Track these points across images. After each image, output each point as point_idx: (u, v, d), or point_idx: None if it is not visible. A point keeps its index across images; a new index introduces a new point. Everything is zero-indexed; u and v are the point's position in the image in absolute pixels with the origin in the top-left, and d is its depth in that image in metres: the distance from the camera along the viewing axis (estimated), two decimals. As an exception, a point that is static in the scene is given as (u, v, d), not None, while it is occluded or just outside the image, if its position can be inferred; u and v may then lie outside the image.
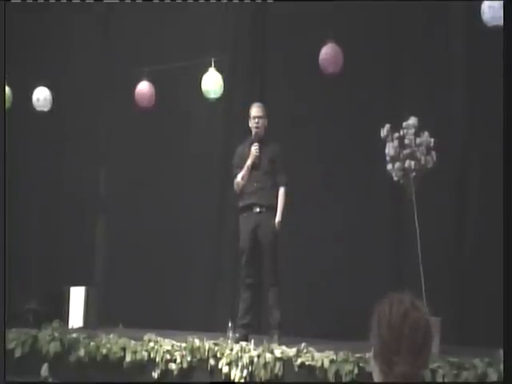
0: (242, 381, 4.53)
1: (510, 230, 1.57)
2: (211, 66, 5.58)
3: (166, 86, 5.97)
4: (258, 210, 5.00)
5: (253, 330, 5.09)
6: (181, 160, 6.30)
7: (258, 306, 5.43)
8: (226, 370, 4.58)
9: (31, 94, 6.11)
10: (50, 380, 5.17)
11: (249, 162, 4.99)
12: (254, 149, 4.99)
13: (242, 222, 5.08)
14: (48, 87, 6.12)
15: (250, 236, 4.99)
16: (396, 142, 4.58)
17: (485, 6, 4.48)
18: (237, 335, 4.92)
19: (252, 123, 5.07)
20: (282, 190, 5.02)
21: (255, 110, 5.07)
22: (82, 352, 5.13)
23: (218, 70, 5.61)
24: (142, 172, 6.41)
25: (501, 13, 4.49)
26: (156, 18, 6.36)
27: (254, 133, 5.08)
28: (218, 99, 5.67)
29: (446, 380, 3.88)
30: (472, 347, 4.39)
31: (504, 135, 1.81)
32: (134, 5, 6.48)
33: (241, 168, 5.04)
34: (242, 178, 5.01)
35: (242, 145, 5.19)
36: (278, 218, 4.97)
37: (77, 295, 5.96)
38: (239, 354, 4.57)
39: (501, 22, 4.50)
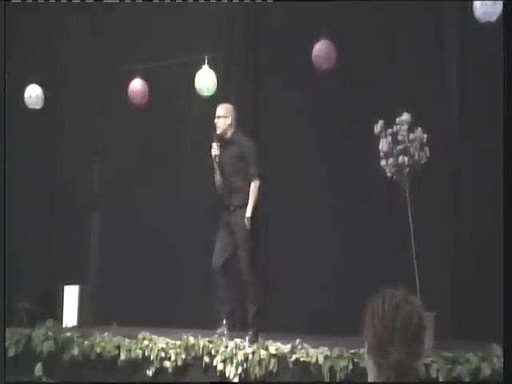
0: (237, 378, 4.53)
1: (510, 226, 1.57)
2: (205, 63, 5.58)
3: (159, 84, 5.96)
4: (231, 208, 5.05)
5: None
6: (175, 157, 6.28)
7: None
8: (220, 367, 4.58)
9: (23, 91, 6.08)
10: (44, 379, 5.16)
11: (214, 164, 5.08)
12: (213, 149, 5.03)
13: (220, 221, 5.17)
14: (40, 85, 6.10)
15: (224, 234, 5.06)
16: (389, 138, 4.59)
17: (477, 2, 4.49)
18: (219, 330, 4.96)
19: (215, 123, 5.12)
20: (252, 185, 5.01)
21: (217, 110, 5.12)
22: (76, 351, 5.13)
23: (212, 67, 5.60)
24: (135, 169, 6.40)
25: (493, 9, 4.51)
26: (149, 16, 6.34)
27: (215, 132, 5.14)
28: (211, 97, 5.67)
29: (439, 374, 3.89)
30: (466, 342, 4.41)
31: (504, 133, 1.81)
32: (127, 3, 6.46)
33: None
34: (217, 179, 5.12)
35: None
36: (247, 214, 4.96)
37: (71, 294, 5.94)
38: (234, 351, 4.57)
39: (493, 19, 4.52)
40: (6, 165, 5.16)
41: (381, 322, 1.56)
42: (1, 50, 5.02)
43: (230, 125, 5.10)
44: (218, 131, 5.08)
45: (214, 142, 5.03)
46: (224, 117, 5.09)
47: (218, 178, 5.11)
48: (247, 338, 4.74)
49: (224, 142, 5.06)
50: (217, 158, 5.03)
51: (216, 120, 5.09)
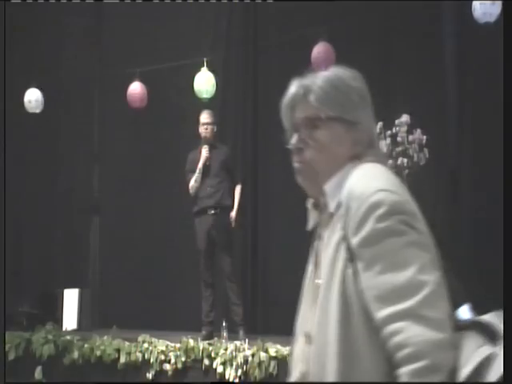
0: (237, 380, 4.52)
1: (509, 226, 1.56)
2: (203, 65, 5.58)
3: (158, 86, 5.96)
4: (212, 211, 5.15)
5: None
6: (174, 160, 6.28)
7: (255, 306, 5.44)
8: (220, 369, 4.57)
9: (23, 95, 6.08)
10: (44, 382, 5.15)
11: (200, 164, 5.19)
12: (205, 151, 5.21)
13: (197, 225, 5.24)
14: (40, 89, 6.10)
15: (206, 237, 5.16)
16: (388, 140, 4.59)
17: (476, 3, 4.50)
18: (203, 333, 5.01)
19: (201, 129, 5.29)
20: (238, 189, 5.25)
21: (204, 117, 5.29)
22: (75, 354, 5.12)
23: (211, 69, 5.61)
24: (135, 173, 6.40)
25: (492, 10, 4.51)
26: (148, 19, 6.35)
27: (203, 137, 5.28)
28: (210, 99, 5.68)
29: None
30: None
31: (504, 133, 1.79)
32: (126, 5, 6.47)
33: (193, 173, 5.23)
34: (196, 181, 5.21)
35: (192, 152, 5.36)
36: (233, 214, 5.16)
37: (70, 297, 5.94)
38: (233, 354, 4.56)
39: (492, 19, 4.53)
40: (5, 168, 5.17)
41: None
42: (1, 49, 5.03)
43: (215, 131, 5.35)
44: (208, 136, 5.26)
45: (203, 145, 5.23)
46: (212, 123, 5.30)
47: (197, 180, 5.19)
48: (247, 341, 4.74)
49: (210, 146, 5.23)
50: (207, 161, 5.17)
51: (205, 126, 5.25)
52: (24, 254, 6.72)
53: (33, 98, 6.08)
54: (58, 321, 5.80)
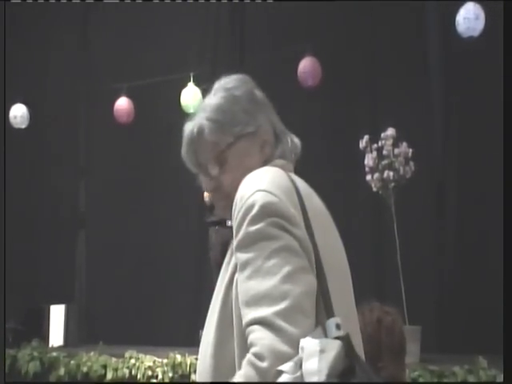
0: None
1: (509, 232, 1.60)
2: (190, 80, 5.60)
3: (145, 102, 5.96)
4: (230, 223, 4.99)
5: None
6: (161, 175, 6.28)
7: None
8: (208, 385, 4.53)
9: (8, 111, 6.05)
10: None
11: None
12: None
13: (213, 235, 5.14)
14: (25, 104, 6.08)
15: (223, 249, 5.00)
16: (375, 153, 4.62)
17: (460, 17, 4.57)
18: None
19: None
20: None
21: None
22: (62, 371, 5.06)
23: (197, 84, 5.62)
24: (121, 188, 6.38)
25: (475, 25, 4.58)
26: (135, 34, 6.37)
27: None
28: (197, 114, 5.68)
29: (427, 388, 3.89)
30: (452, 355, 4.41)
31: (504, 141, 1.81)
32: (113, 20, 6.49)
33: None
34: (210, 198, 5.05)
35: None
36: None
37: (57, 313, 5.88)
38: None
39: (475, 34, 4.60)
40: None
41: (366, 339, 1.55)
42: (1, 50, 4.99)
43: None
44: None
45: None
46: None
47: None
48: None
49: None
50: None
51: None
52: (9, 269, 6.65)
53: (18, 113, 6.05)
54: (44, 337, 5.74)
